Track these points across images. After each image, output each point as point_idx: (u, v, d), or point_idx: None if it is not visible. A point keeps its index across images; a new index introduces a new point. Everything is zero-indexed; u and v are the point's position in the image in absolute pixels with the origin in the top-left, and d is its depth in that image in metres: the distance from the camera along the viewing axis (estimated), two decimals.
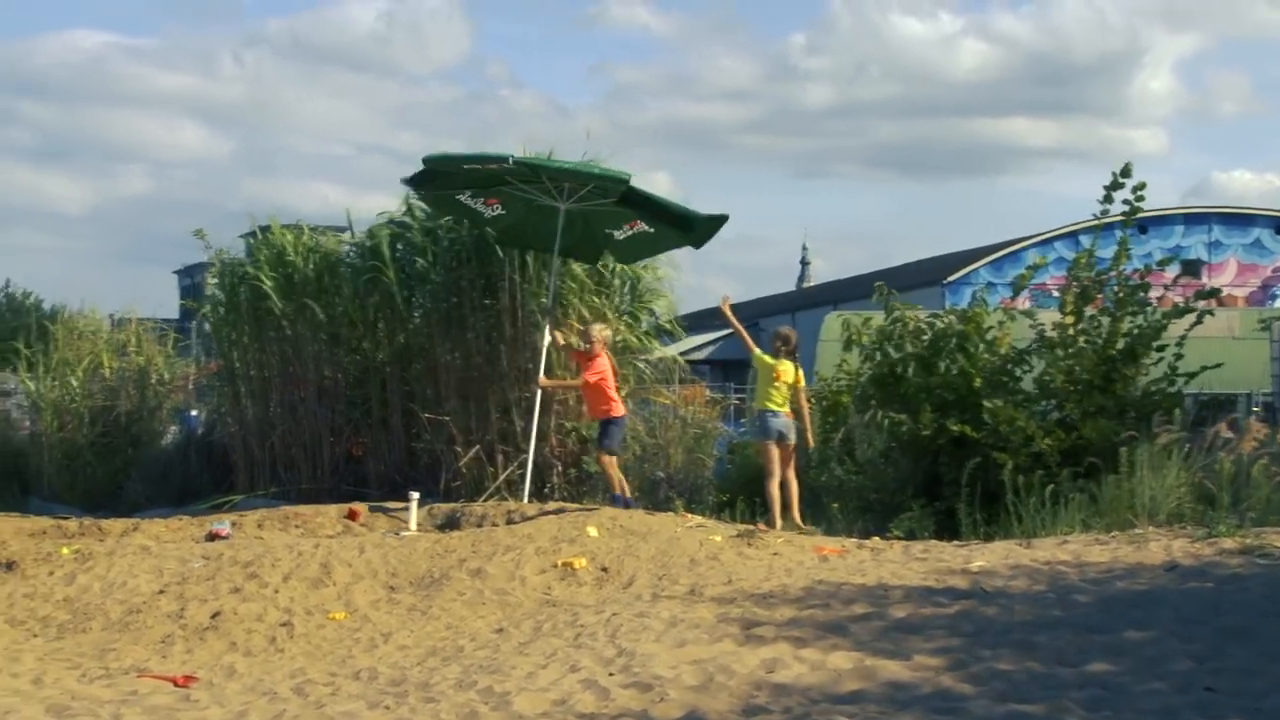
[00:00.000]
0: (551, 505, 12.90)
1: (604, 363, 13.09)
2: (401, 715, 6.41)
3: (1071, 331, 13.14)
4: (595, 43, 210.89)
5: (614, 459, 13.16)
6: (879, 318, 14.31)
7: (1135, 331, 13.00)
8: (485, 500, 13.93)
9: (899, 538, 11.57)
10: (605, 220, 14.20)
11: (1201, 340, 13.10)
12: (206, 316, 18.80)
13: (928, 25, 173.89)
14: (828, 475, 13.40)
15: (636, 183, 13.57)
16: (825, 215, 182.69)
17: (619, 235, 14.41)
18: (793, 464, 12.35)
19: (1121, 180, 13.41)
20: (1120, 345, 12.97)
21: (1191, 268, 45.12)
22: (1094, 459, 12.02)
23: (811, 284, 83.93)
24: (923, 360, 13.68)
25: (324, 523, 13.34)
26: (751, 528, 11.33)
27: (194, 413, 20.25)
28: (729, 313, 12.91)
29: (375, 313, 16.59)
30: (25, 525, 13.97)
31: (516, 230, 14.62)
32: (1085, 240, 14.17)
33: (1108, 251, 13.76)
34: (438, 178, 14.13)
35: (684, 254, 16.55)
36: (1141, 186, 13.40)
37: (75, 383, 19.17)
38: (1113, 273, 13.52)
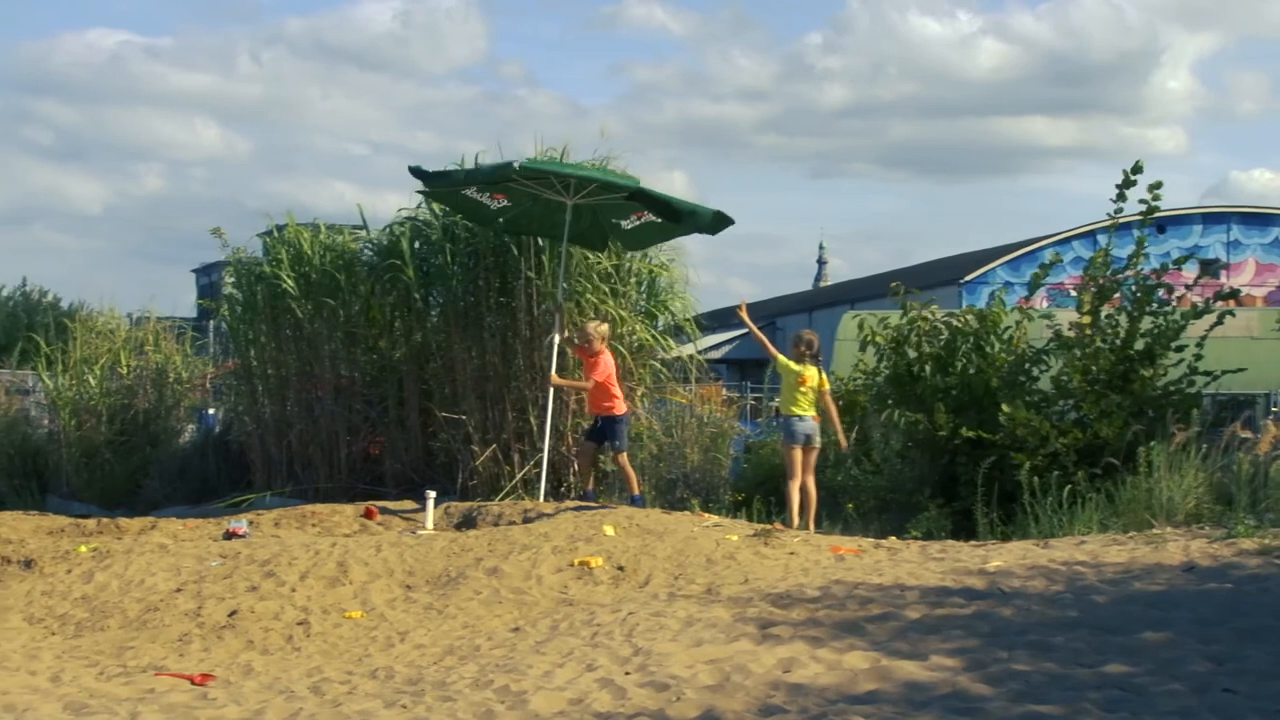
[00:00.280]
0: (568, 504, 12.90)
1: (608, 360, 13.16)
2: (418, 714, 6.42)
3: (1088, 331, 13.11)
4: (612, 43, 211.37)
5: (622, 457, 13.26)
6: (896, 317, 14.29)
7: (1154, 331, 12.97)
8: (502, 499, 13.94)
9: (916, 538, 11.55)
10: (613, 211, 14.27)
11: (1220, 340, 13.06)
12: (224, 315, 18.84)
13: (945, 25, 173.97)
14: (844, 475, 13.40)
15: (650, 182, 13.63)
16: (842, 214, 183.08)
17: (626, 225, 14.49)
18: (813, 470, 12.38)
19: (1133, 178, 13.36)
20: (1138, 345, 12.94)
21: (1210, 267, 44.93)
22: (1111, 459, 12.00)
23: (828, 283, 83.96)
24: (939, 360, 13.66)
25: (341, 521, 13.37)
26: (768, 527, 11.32)
27: (211, 411, 20.29)
28: (748, 319, 12.99)
29: (392, 311, 16.61)
30: (44, 523, 14.04)
31: (523, 219, 14.64)
32: (1103, 240, 14.10)
33: (1126, 251, 13.73)
34: (442, 189, 14.37)
35: (701, 254, 16.67)
36: (1159, 185, 13.35)
37: (93, 381, 19.22)
38: (1129, 272, 13.48)
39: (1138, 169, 13.37)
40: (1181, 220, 49.52)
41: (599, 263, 15.49)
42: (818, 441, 12.32)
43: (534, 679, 6.75)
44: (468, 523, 12.83)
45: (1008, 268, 48.45)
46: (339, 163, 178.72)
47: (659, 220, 14.26)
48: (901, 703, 5.81)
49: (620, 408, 13.26)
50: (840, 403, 14.44)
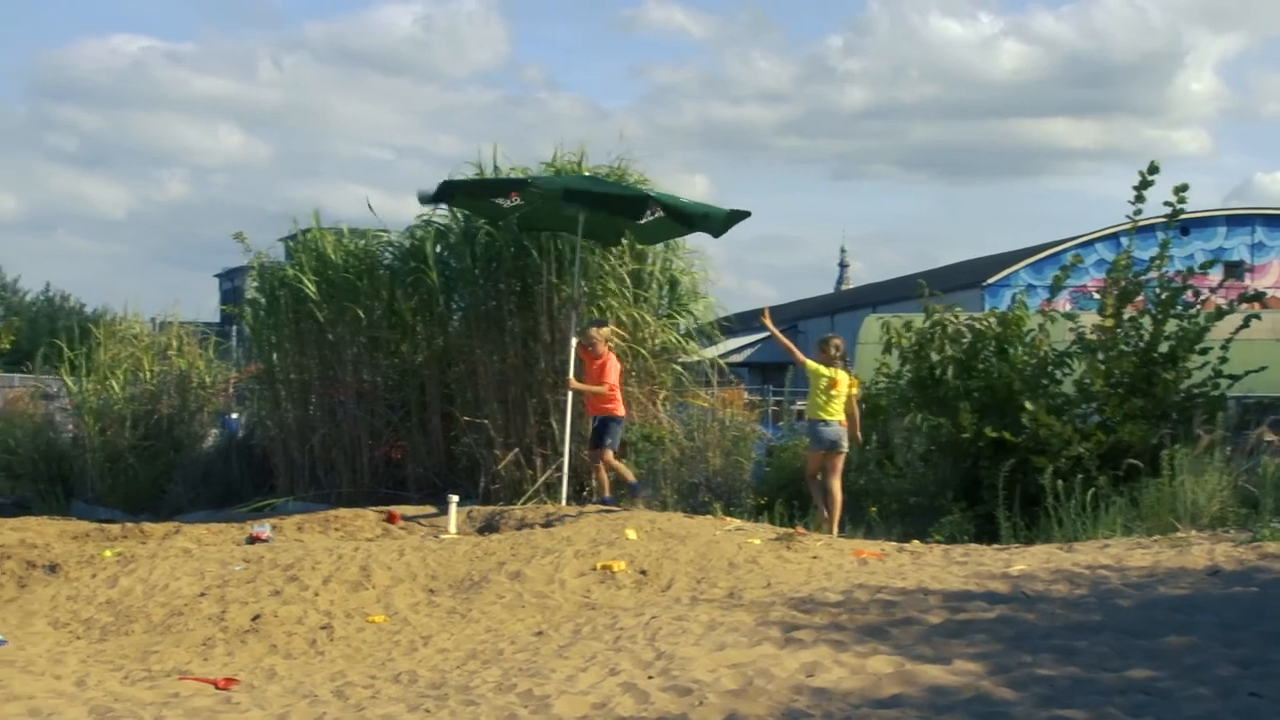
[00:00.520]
0: (590, 508, 12.91)
1: (615, 363, 13.33)
2: (441, 718, 6.42)
3: (1112, 333, 13.06)
4: (632, 45, 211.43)
5: (609, 454, 13.42)
6: (918, 320, 14.26)
7: (1178, 333, 12.91)
8: (524, 503, 13.95)
9: (939, 541, 11.54)
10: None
11: (1245, 343, 13.00)
12: (247, 320, 18.89)
13: (966, 27, 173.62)
14: (866, 478, 13.38)
15: (671, 186, 13.70)
16: (862, 216, 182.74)
17: (640, 220, 14.54)
18: (839, 474, 12.42)
19: (1150, 179, 13.31)
20: (1162, 348, 12.89)
21: (1234, 269, 44.79)
22: (1134, 462, 11.95)
23: (850, 286, 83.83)
24: (961, 363, 13.63)
25: (363, 526, 13.40)
26: (791, 531, 11.31)
27: (234, 416, 20.33)
28: (771, 325, 13.05)
29: (414, 315, 16.63)
30: (69, 528, 14.11)
31: (536, 215, 14.69)
32: (1125, 242, 14.06)
33: (1150, 253, 13.68)
34: (455, 196, 14.56)
35: (721, 256, 16.76)
36: (1184, 188, 13.31)
37: (117, 386, 19.28)
38: (1153, 274, 13.43)
39: (1154, 170, 13.32)
40: (1206, 222, 49.39)
41: (621, 265, 15.50)
42: (844, 445, 12.39)
43: (557, 683, 6.75)
44: (490, 527, 12.85)
45: (1030, 270, 48.35)
46: (360, 167, 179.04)
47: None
48: (925, 707, 5.80)
49: (620, 409, 13.45)
50: (863, 406, 14.45)
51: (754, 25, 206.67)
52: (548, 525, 12.13)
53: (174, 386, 19.66)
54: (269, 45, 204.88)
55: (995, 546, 10.82)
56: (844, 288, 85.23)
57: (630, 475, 13.37)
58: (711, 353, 17.00)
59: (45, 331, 42.38)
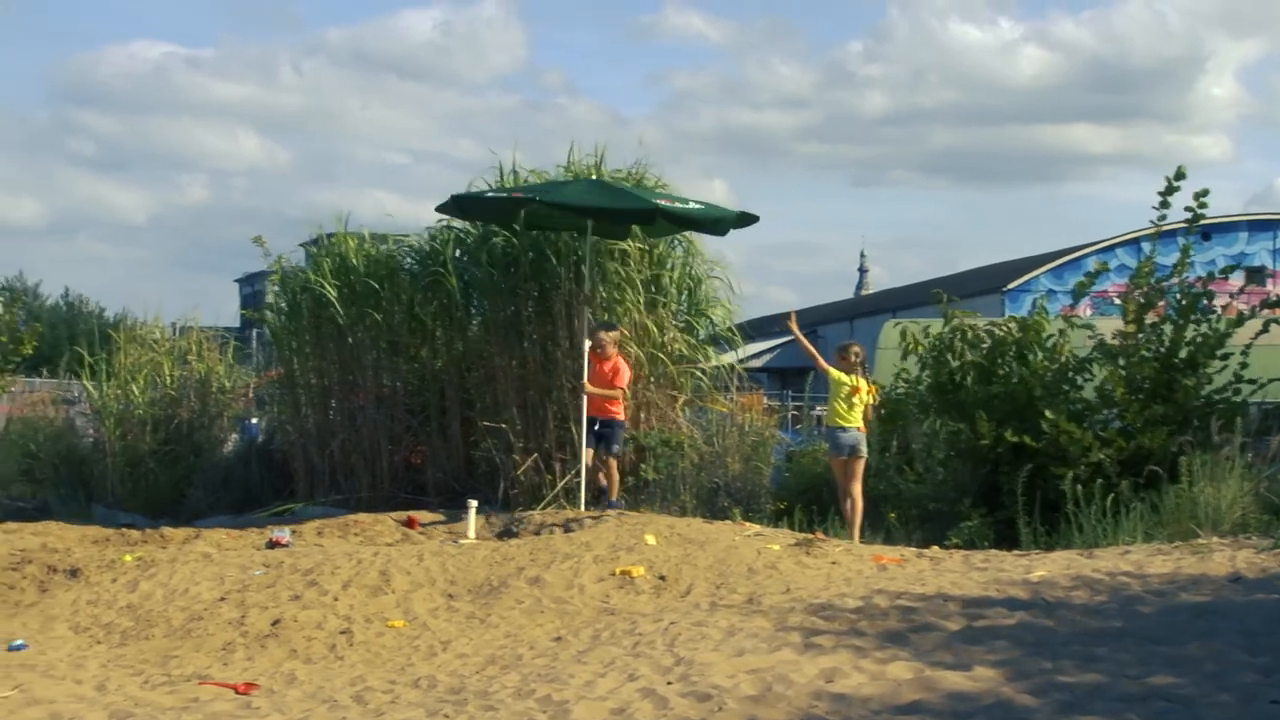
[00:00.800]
0: (609, 513, 12.91)
1: (625, 367, 13.53)
2: None
3: (1132, 340, 13.03)
4: (652, 51, 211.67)
5: (614, 462, 13.73)
6: (938, 326, 14.25)
7: (1198, 339, 12.88)
8: (543, 508, 13.95)
9: (958, 547, 11.52)
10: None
11: (1267, 349, 12.96)
12: (267, 324, 18.89)
13: (986, 32, 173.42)
14: (886, 484, 13.37)
15: (690, 191, 13.74)
16: (882, 222, 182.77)
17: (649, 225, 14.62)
18: (859, 479, 12.51)
19: (1176, 185, 13.29)
20: (1183, 354, 12.85)
21: (1256, 275, 44.63)
22: (1155, 468, 11.92)
23: (870, 291, 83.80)
24: (981, 369, 13.61)
25: (383, 530, 13.42)
26: (810, 536, 11.31)
27: (254, 421, 20.36)
28: (797, 330, 13.20)
29: (434, 320, 16.64)
30: (89, 532, 14.14)
31: (542, 214, 14.69)
32: (1147, 247, 14.04)
33: (1171, 258, 13.65)
34: (468, 207, 14.75)
35: (741, 261, 16.77)
36: (1205, 193, 13.28)
37: (137, 391, 19.31)
38: (1174, 280, 13.40)
39: (1180, 175, 13.31)
40: (1227, 227, 49.22)
41: (639, 273, 15.50)
42: (863, 451, 12.54)
43: (576, 688, 6.75)
44: (509, 532, 12.86)
45: (1051, 276, 48.23)
46: (379, 172, 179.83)
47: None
48: (946, 714, 5.78)
49: (621, 413, 13.65)
50: (882, 411, 14.45)
51: (773, 31, 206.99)
52: (567, 530, 12.13)
53: (194, 391, 19.68)
54: (289, 50, 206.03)
55: (1015, 552, 10.79)
56: (864, 293, 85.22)
57: (616, 493, 13.63)
58: (731, 358, 16.99)
59: (65, 337, 42.55)
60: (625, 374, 13.75)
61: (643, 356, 15.21)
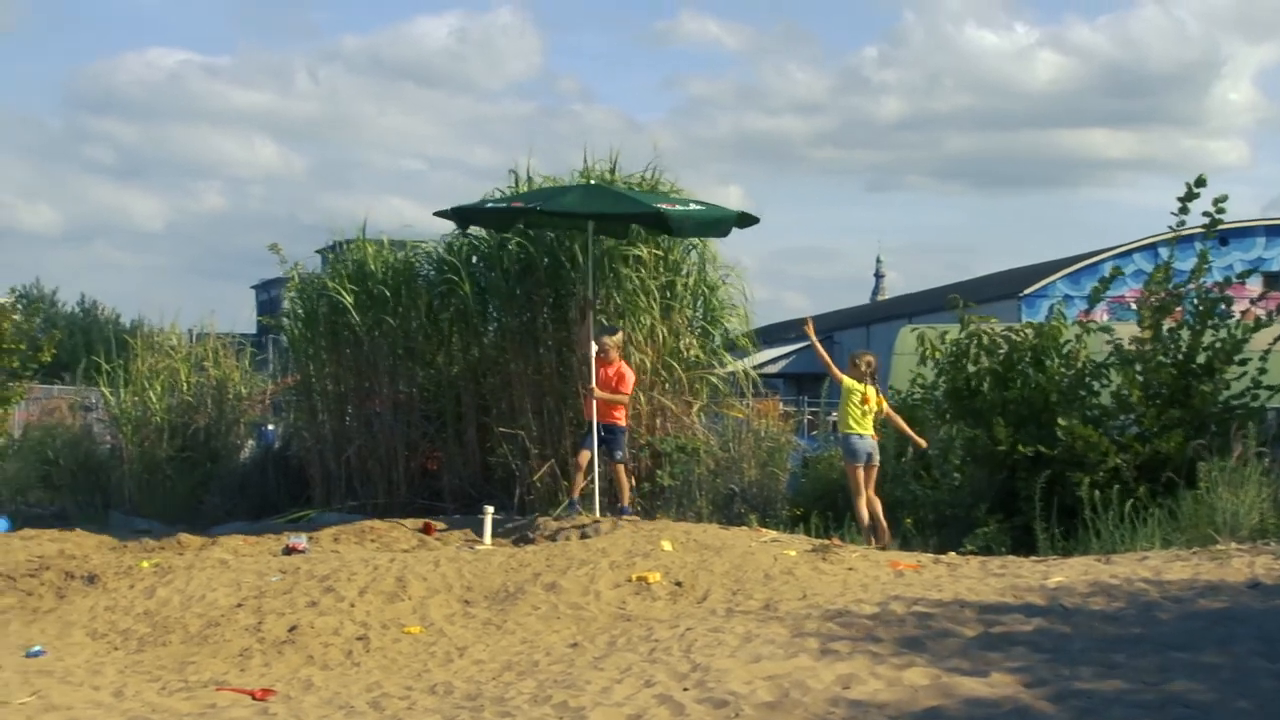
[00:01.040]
0: (625, 519, 12.90)
1: (629, 372, 13.67)
2: None
3: (1149, 346, 13.00)
4: (667, 57, 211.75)
5: (622, 468, 13.70)
6: (954, 331, 14.23)
7: (1216, 345, 12.84)
8: (559, 514, 13.95)
9: (975, 553, 11.48)
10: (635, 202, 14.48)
11: None
12: (284, 331, 18.91)
13: (1002, 37, 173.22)
14: (902, 489, 13.35)
15: (705, 195, 13.73)
16: (898, 227, 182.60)
17: (654, 227, 14.65)
18: (874, 486, 12.61)
19: (1196, 191, 13.27)
20: (1200, 359, 12.82)
21: (1274, 280, 44.47)
22: (1172, 474, 11.88)
23: (885, 296, 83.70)
24: (997, 374, 13.59)
25: (399, 537, 13.43)
26: (826, 542, 11.29)
27: (271, 427, 20.37)
28: (814, 337, 13.43)
29: (450, 326, 16.66)
30: (107, 539, 14.19)
31: (544, 214, 14.68)
32: (1164, 252, 14.01)
33: (1188, 264, 13.61)
34: (469, 217, 14.79)
35: (756, 267, 16.82)
36: (1223, 199, 13.26)
37: (154, 397, 19.35)
38: (1191, 285, 13.36)
39: (1200, 182, 13.29)
40: (1244, 233, 49.01)
41: (653, 279, 15.49)
42: (878, 459, 12.61)
43: (592, 695, 6.75)
44: (525, 538, 12.86)
45: (1067, 281, 48.08)
46: (395, 178, 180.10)
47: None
48: None
49: (623, 419, 13.77)
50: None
51: (788, 37, 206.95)
52: (583, 536, 12.13)
53: (210, 398, 19.71)
54: (306, 58, 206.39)
55: (1032, 558, 10.77)
56: (879, 298, 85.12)
57: (627, 498, 13.61)
58: (746, 364, 16.97)
59: (82, 343, 42.63)
60: (629, 379, 13.74)
61: (657, 362, 15.21)
